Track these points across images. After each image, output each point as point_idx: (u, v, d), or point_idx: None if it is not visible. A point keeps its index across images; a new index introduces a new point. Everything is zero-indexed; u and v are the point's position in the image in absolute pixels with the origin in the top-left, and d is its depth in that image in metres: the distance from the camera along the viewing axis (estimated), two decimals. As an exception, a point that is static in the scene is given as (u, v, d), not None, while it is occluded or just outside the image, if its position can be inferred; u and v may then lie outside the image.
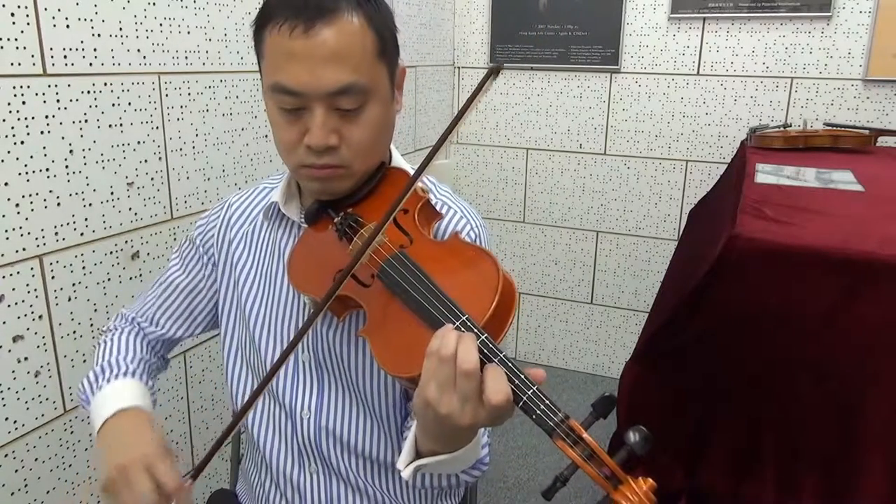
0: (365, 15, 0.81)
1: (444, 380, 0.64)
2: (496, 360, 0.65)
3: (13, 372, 1.18)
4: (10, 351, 1.17)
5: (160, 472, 0.78)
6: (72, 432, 1.31)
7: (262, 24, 0.82)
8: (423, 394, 0.66)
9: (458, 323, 0.67)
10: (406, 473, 0.75)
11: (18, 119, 1.13)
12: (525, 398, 0.63)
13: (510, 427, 2.51)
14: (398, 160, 0.96)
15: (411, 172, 0.92)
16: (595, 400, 0.63)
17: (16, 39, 1.12)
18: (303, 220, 0.94)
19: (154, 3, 1.36)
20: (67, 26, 1.20)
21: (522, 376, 0.64)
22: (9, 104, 1.12)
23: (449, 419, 0.65)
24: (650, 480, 0.60)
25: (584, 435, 0.61)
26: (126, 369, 0.96)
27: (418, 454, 0.76)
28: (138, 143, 1.37)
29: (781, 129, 2.26)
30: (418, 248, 0.79)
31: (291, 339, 0.94)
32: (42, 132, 1.18)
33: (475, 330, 0.66)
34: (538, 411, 0.62)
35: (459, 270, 0.76)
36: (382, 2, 0.86)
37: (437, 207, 0.90)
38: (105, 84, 1.28)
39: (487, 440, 0.87)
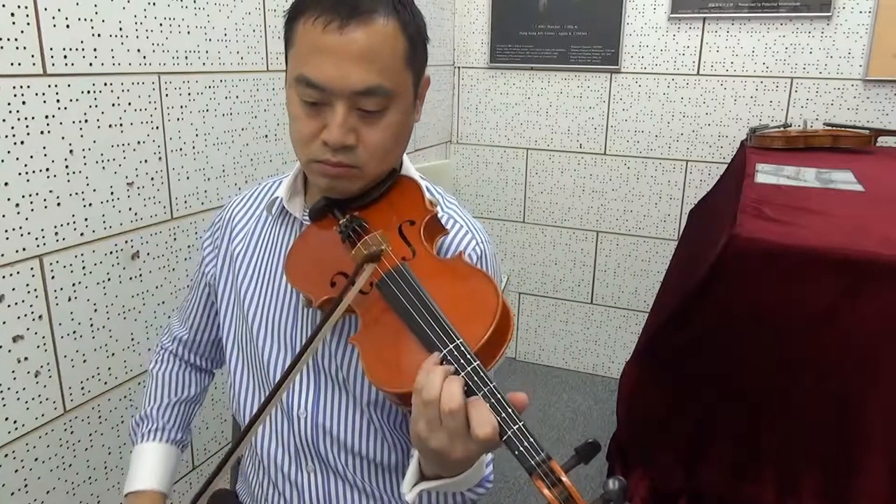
0: (400, 20, 0.81)
1: (432, 419, 0.65)
2: (485, 391, 0.64)
3: (13, 372, 1.18)
4: (10, 351, 1.17)
5: None
6: (72, 432, 1.31)
7: (295, 14, 0.82)
8: (414, 429, 0.67)
9: (451, 346, 0.66)
10: (410, 497, 0.75)
11: (18, 119, 1.13)
12: (510, 433, 0.62)
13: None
14: (408, 168, 0.96)
15: (420, 182, 0.91)
16: (579, 445, 0.63)
17: (16, 39, 1.12)
18: (306, 216, 0.94)
19: (154, 3, 1.36)
20: (67, 26, 1.20)
21: (510, 410, 0.63)
22: (9, 104, 1.12)
23: (441, 454, 0.65)
24: None
25: (564, 478, 0.60)
26: (158, 426, 1.06)
27: (423, 476, 0.76)
28: (138, 143, 1.37)
29: (781, 129, 2.26)
30: (420, 263, 0.78)
31: (289, 336, 0.94)
32: (42, 132, 1.18)
33: (467, 356, 0.65)
34: (521, 448, 0.61)
35: (459, 292, 0.75)
36: (418, 11, 0.87)
37: (444, 221, 0.89)
38: (105, 84, 1.28)
39: (491, 457, 0.86)
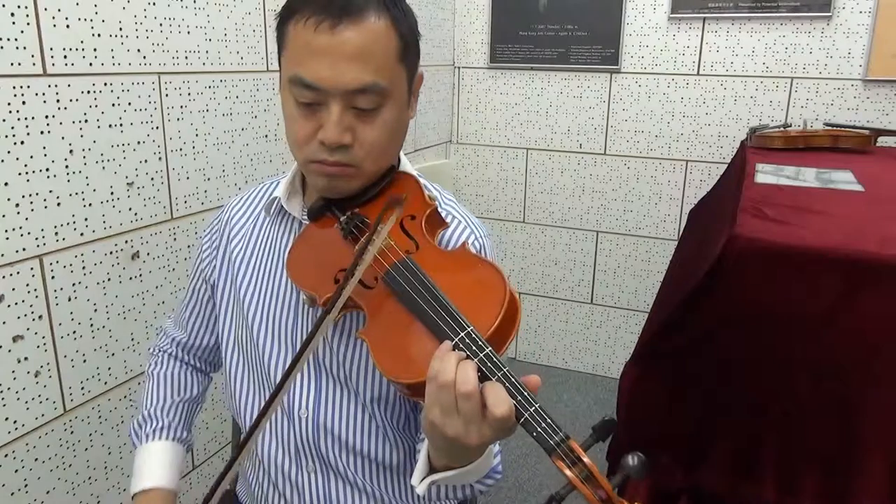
0: (391, 18, 0.82)
1: (446, 404, 0.65)
2: (499, 375, 0.64)
3: (13, 372, 1.18)
4: (10, 351, 1.17)
5: None
6: (72, 432, 1.31)
7: (287, 15, 0.83)
8: (429, 416, 0.67)
9: (462, 334, 0.67)
10: (420, 489, 0.75)
11: (18, 119, 1.13)
12: (527, 415, 0.63)
13: (510, 427, 2.50)
14: (406, 165, 0.96)
15: (419, 178, 0.92)
16: (596, 423, 0.63)
17: (16, 39, 1.12)
18: (305, 216, 0.94)
19: (154, 3, 1.36)
20: (67, 26, 1.20)
21: (525, 393, 0.64)
22: (9, 104, 1.12)
23: (456, 440, 0.66)
24: None
25: (584, 457, 0.61)
26: (162, 424, 1.04)
27: (432, 469, 0.76)
28: (138, 143, 1.37)
29: (781, 129, 2.26)
30: (425, 256, 0.79)
31: (290, 335, 0.94)
32: (42, 132, 1.18)
33: (479, 342, 0.66)
34: (539, 429, 0.62)
35: (466, 281, 0.75)
36: (409, 8, 0.87)
37: (443, 216, 0.90)
38: (105, 84, 1.28)
39: (499, 448, 0.87)
